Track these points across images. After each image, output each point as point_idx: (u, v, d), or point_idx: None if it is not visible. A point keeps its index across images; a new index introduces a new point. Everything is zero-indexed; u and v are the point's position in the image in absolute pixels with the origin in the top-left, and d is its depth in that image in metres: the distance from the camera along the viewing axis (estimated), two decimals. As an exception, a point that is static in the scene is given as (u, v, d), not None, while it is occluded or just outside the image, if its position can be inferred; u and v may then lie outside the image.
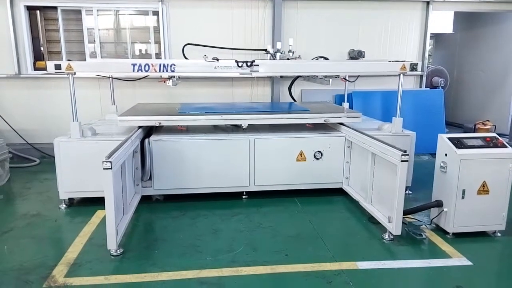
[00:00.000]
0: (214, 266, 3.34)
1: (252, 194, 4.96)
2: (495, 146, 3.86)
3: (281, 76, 6.89)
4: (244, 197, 4.97)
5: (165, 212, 4.52)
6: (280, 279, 3.20)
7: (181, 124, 4.92)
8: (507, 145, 3.88)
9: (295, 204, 4.80)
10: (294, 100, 7.09)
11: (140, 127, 4.74)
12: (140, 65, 4.33)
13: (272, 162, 4.86)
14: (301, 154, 4.89)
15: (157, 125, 4.73)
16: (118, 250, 3.49)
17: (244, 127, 4.86)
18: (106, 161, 3.24)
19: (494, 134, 4.04)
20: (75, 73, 4.34)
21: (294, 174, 4.93)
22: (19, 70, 6.78)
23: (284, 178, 4.94)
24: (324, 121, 5.04)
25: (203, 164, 4.74)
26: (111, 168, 3.25)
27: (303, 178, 4.96)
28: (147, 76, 5.70)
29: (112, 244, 3.42)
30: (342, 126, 5.10)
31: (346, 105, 6.31)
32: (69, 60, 4.45)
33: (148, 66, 4.36)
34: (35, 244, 3.77)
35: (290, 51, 6.20)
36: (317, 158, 4.93)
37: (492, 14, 8.69)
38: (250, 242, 3.80)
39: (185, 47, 6.75)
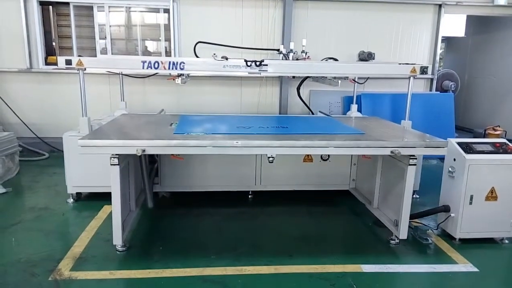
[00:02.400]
0: (218, 264, 3.34)
1: (257, 194, 4.96)
2: (505, 152, 3.81)
3: (293, 77, 6.87)
4: (249, 196, 4.97)
5: (171, 209, 4.54)
6: (284, 280, 3.19)
7: (176, 153, 3.72)
8: (517, 151, 3.84)
9: (300, 205, 4.79)
10: (302, 100, 7.04)
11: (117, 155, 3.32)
12: (150, 62, 4.34)
13: (279, 163, 4.83)
14: (308, 155, 4.88)
15: (139, 154, 3.20)
16: (123, 246, 3.52)
17: (271, 158, 3.48)
18: (114, 157, 3.26)
19: (504, 140, 3.99)
20: (85, 69, 4.36)
21: (300, 175, 4.92)
22: (30, 65, 6.85)
23: (290, 179, 4.93)
24: (392, 152, 3.47)
25: (209, 163, 4.75)
26: (118, 164, 3.27)
27: (310, 179, 4.94)
28: (156, 73, 5.73)
29: (118, 239, 3.44)
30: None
31: (354, 107, 6.26)
32: (79, 55, 4.47)
33: (158, 63, 4.36)
34: (42, 237, 3.82)
35: (303, 51, 6.19)
36: (324, 160, 4.91)
37: (505, 18, 8.57)
38: (254, 242, 3.81)
39: (196, 45, 6.76)
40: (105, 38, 6.98)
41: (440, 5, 7.35)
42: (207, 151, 3.36)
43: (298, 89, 6.97)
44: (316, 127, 4.34)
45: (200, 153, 3.51)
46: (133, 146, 3.22)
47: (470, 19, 9.57)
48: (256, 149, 3.44)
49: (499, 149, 3.83)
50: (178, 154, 3.90)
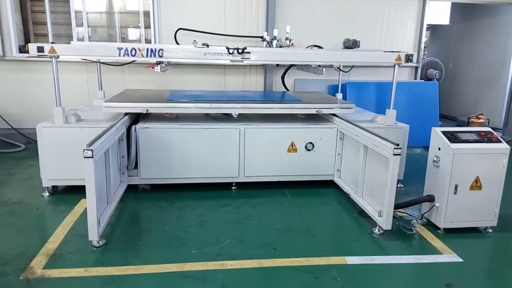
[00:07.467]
0: (199, 259, 3.24)
1: (241, 185, 4.85)
2: (490, 141, 3.78)
3: (277, 65, 6.74)
4: (233, 188, 4.86)
5: (151, 202, 4.40)
6: (267, 274, 3.11)
7: (170, 112, 4.82)
8: (501, 140, 3.81)
9: (285, 196, 4.71)
10: (287, 89, 6.96)
11: (126, 114, 4.60)
12: (126, 49, 4.17)
13: (263, 153, 4.75)
14: (292, 145, 4.78)
15: (145, 112, 4.58)
16: (100, 241, 3.38)
17: (234, 116, 4.75)
18: (87, 149, 3.10)
19: (488, 129, 3.95)
20: (58, 57, 4.17)
21: (284, 165, 4.82)
22: (3, 53, 6.55)
23: (274, 170, 4.83)
24: (316, 111, 4.93)
25: (191, 154, 4.61)
26: (92, 157, 3.11)
27: (294, 170, 4.86)
28: (134, 61, 5.53)
29: (94, 235, 3.30)
30: (335, 118, 4.99)
31: (339, 95, 6.20)
32: (52, 43, 4.25)
33: (135, 50, 4.19)
34: (15, 233, 3.64)
35: (287, 38, 6.05)
36: (309, 150, 4.83)
37: (489, 6, 8.57)
38: (237, 235, 3.71)
39: (177, 32, 6.56)
40: (82, 25, 6.70)
41: (425, -8, 7.28)
42: (190, 110, 4.78)
43: (282, 78, 6.86)
44: (270, 97, 5.79)
45: (186, 112, 4.86)
46: (141, 107, 4.59)
47: (455, 7, 9.54)
48: (225, 109, 4.80)
49: (484, 138, 3.79)
50: (171, 114, 4.91)
